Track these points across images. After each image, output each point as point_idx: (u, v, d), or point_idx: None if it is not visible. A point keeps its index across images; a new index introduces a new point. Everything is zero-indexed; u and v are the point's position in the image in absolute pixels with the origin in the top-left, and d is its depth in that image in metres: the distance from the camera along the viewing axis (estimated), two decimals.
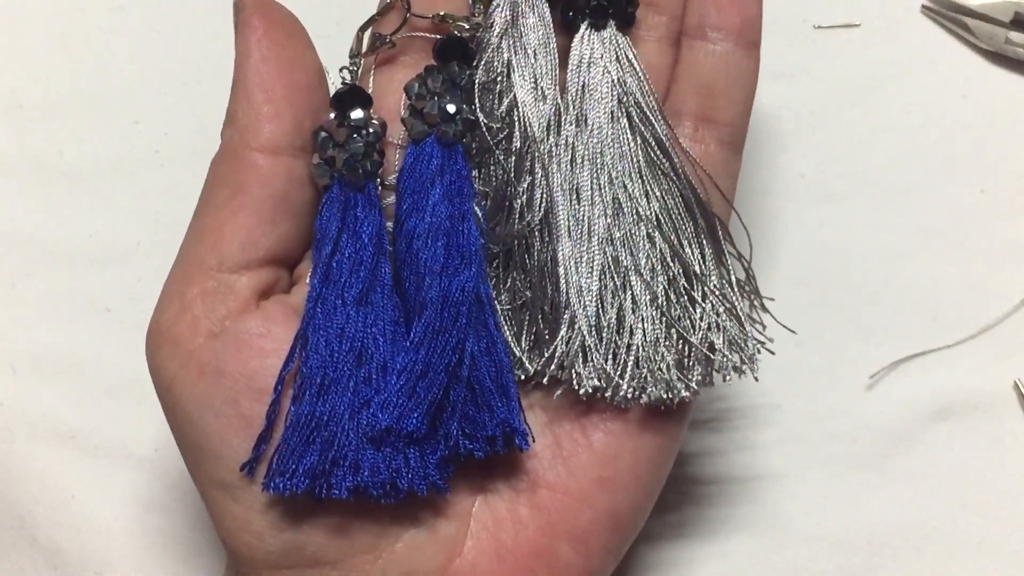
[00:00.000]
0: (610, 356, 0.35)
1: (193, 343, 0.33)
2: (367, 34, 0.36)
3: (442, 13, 0.36)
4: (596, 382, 0.34)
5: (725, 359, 0.35)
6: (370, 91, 0.36)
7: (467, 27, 0.36)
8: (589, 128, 0.36)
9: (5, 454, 0.46)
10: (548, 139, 0.36)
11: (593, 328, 0.35)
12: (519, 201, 0.35)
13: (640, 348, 0.35)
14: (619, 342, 0.35)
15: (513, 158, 0.35)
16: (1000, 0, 0.49)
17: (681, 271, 0.35)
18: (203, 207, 0.35)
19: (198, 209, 0.35)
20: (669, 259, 0.35)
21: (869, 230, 0.48)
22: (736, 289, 0.36)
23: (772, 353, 0.37)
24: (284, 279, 0.35)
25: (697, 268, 0.35)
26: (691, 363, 0.35)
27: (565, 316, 0.34)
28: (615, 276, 0.35)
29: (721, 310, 0.35)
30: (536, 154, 0.35)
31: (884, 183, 0.48)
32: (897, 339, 0.46)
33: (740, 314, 0.36)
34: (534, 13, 0.36)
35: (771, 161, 0.49)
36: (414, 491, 0.33)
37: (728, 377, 0.35)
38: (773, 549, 0.44)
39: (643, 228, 0.35)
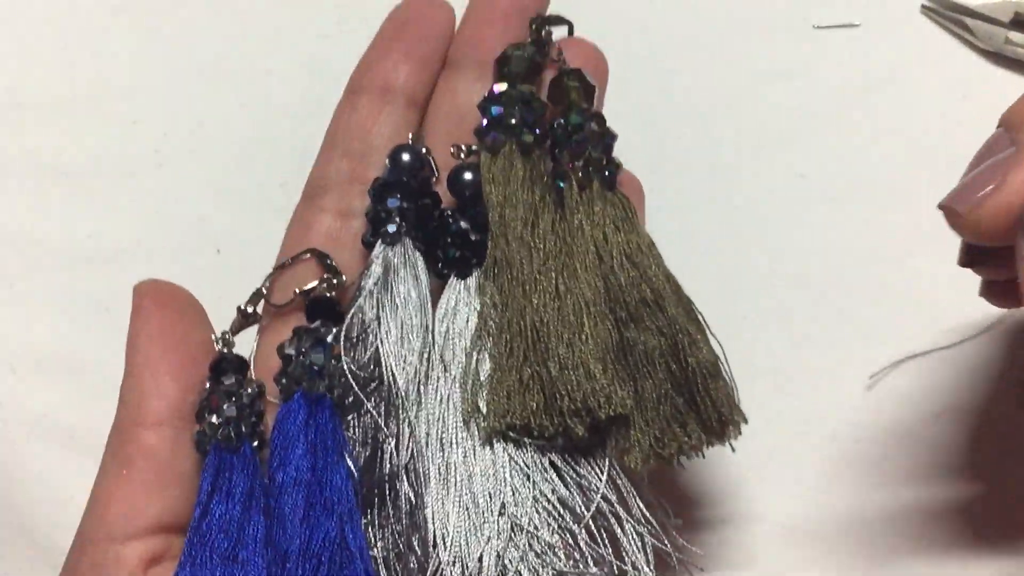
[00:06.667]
0: None
1: None
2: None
3: (297, 291, 0.38)
4: None
5: None
6: (253, 354, 0.39)
7: (335, 285, 0.38)
8: (451, 374, 0.37)
9: (5, 454, 0.46)
10: (415, 386, 0.37)
11: (465, 572, 0.35)
12: (388, 446, 0.36)
13: None
14: None
15: (382, 405, 0.36)
16: (1000, 0, 0.49)
17: (579, 503, 0.36)
18: (97, 481, 0.36)
19: (94, 485, 0.37)
20: (563, 492, 0.36)
21: (869, 230, 0.48)
22: (643, 510, 0.36)
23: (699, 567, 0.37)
24: (175, 546, 0.36)
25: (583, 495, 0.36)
26: None
27: (434, 563, 0.35)
28: (488, 521, 0.35)
29: (633, 538, 0.36)
30: (401, 401, 0.36)
31: (884, 183, 0.48)
32: (897, 339, 0.46)
33: (655, 539, 0.36)
34: (405, 267, 0.38)
35: (771, 161, 0.49)
36: None
37: None
38: (773, 549, 0.44)
39: (519, 462, 0.36)
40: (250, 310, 0.39)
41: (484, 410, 0.36)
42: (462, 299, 0.38)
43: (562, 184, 0.38)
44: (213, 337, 0.38)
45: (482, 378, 0.37)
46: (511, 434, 0.36)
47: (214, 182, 0.49)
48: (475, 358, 0.37)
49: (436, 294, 0.38)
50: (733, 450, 0.36)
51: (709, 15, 0.51)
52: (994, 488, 0.45)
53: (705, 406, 0.37)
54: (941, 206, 0.32)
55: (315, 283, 0.38)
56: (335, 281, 0.38)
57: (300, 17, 0.51)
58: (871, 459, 0.45)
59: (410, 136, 0.39)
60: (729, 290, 0.47)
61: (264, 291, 0.39)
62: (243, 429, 0.37)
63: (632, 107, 0.50)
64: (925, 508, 0.45)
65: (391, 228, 0.38)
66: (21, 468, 0.46)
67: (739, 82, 0.50)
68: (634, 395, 0.36)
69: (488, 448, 0.36)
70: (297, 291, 0.38)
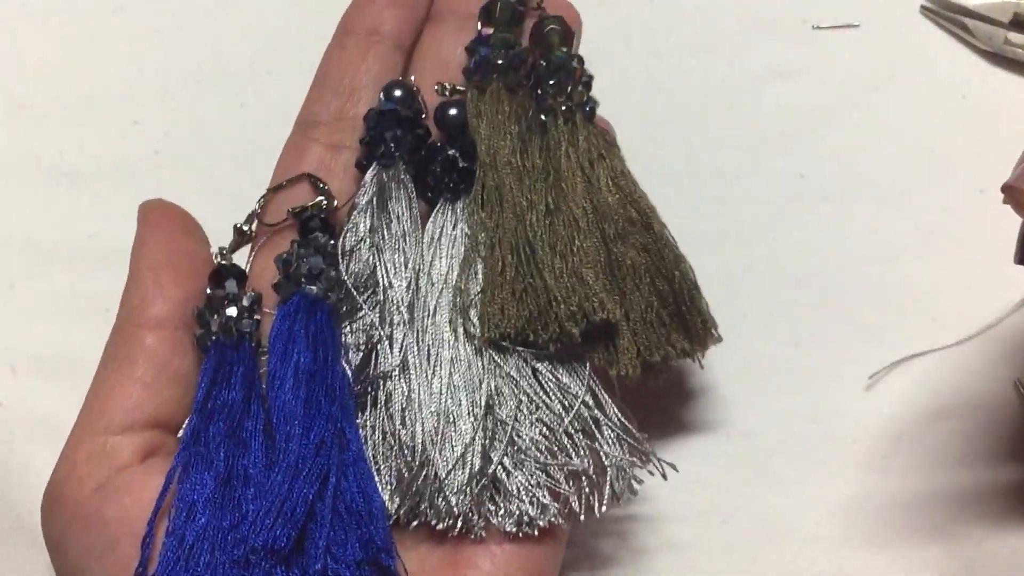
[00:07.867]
0: (465, 493, 0.36)
1: (79, 498, 0.35)
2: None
3: (292, 209, 0.40)
4: (449, 521, 0.36)
5: (609, 488, 0.37)
6: (248, 271, 0.40)
7: (326, 208, 0.40)
8: (439, 289, 0.39)
9: (5, 454, 0.46)
10: (408, 295, 0.38)
11: (450, 466, 0.36)
12: (382, 348, 0.38)
13: (506, 485, 0.36)
14: (477, 480, 0.36)
15: (378, 308, 0.38)
16: (999, 0, 0.49)
17: (560, 406, 0.37)
18: (96, 378, 0.38)
19: (93, 381, 0.38)
20: (545, 397, 0.38)
21: (869, 230, 0.48)
22: (618, 414, 0.38)
23: (664, 477, 0.38)
24: (170, 444, 0.37)
25: (570, 402, 0.38)
26: (563, 496, 0.37)
27: (421, 456, 0.36)
28: (475, 418, 0.37)
29: (611, 438, 0.37)
30: (396, 304, 0.38)
31: (884, 183, 0.48)
32: (897, 339, 0.46)
33: (631, 440, 0.38)
34: (399, 188, 0.40)
35: (771, 161, 0.49)
36: None
37: (603, 508, 0.37)
38: (773, 549, 0.44)
39: (504, 368, 0.38)
40: (245, 228, 0.40)
41: (476, 322, 0.38)
42: (450, 221, 0.40)
43: (546, 118, 0.41)
44: (212, 252, 0.39)
45: (471, 295, 0.38)
46: (503, 343, 0.38)
47: (214, 182, 0.49)
48: (465, 275, 0.39)
49: (423, 219, 0.40)
50: (702, 367, 0.40)
51: (709, 15, 0.51)
52: (993, 488, 0.45)
53: (691, 315, 0.39)
54: (1005, 187, 0.33)
55: (308, 204, 0.40)
56: (326, 204, 0.40)
57: (300, 17, 0.51)
58: (870, 459, 0.45)
59: (401, 75, 0.42)
60: (729, 290, 0.47)
61: (258, 211, 0.41)
62: (244, 328, 0.38)
63: (632, 107, 0.50)
64: (924, 508, 0.45)
65: (386, 151, 0.40)
66: (21, 468, 0.46)
67: (739, 82, 0.50)
68: (622, 307, 0.38)
69: (475, 355, 0.38)
70: (290, 210, 0.40)
